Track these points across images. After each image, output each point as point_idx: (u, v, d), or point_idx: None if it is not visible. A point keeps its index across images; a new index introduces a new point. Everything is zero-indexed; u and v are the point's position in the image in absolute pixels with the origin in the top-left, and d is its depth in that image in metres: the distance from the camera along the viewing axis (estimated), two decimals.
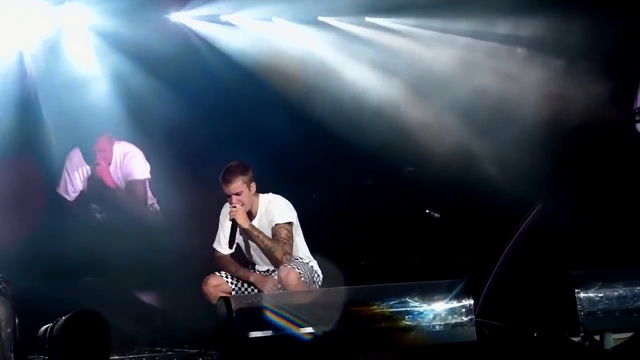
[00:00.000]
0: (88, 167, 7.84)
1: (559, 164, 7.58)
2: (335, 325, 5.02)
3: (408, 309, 5.11)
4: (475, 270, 6.11)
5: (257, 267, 6.41)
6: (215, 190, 6.73)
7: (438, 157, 8.00)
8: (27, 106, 7.93)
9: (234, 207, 6.16)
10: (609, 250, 6.64)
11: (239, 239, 6.30)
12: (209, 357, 5.24)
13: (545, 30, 7.80)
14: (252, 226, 6.18)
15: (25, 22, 7.78)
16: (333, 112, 8.14)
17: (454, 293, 5.15)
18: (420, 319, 5.10)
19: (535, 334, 5.21)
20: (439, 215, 8.11)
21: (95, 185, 7.84)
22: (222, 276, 6.27)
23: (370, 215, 8.12)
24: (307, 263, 6.25)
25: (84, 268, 7.40)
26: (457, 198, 7.88)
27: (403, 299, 5.12)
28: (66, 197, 7.89)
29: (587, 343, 5.05)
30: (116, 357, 5.64)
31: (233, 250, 6.34)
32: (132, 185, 7.83)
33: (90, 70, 8.01)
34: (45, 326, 5.77)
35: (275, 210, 6.23)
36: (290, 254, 6.15)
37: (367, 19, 8.43)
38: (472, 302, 5.15)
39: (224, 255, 6.33)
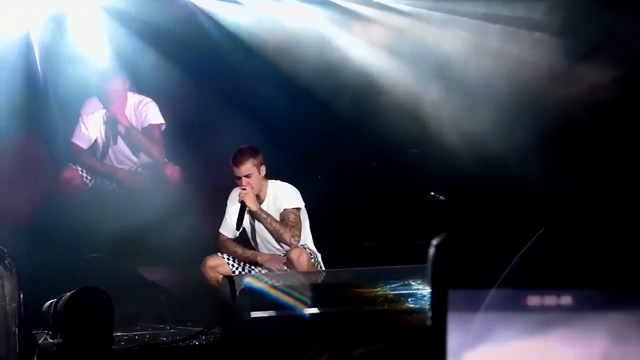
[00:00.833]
0: (103, 111, 7.82)
1: (571, 148, 7.53)
2: (337, 307, 5.03)
3: (411, 291, 5.11)
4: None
5: None
6: (221, 168, 6.75)
7: (444, 139, 7.97)
8: (32, 82, 7.93)
9: (244, 189, 6.17)
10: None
11: (245, 224, 6.31)
12: (213, 336, 5.26)
13: (560, 13, 7.71)
14: (261, 209, 6.18)
15: None
16: (339, 92, 8.11)
17: None
18: (423, 302, 5.10)
19: None
20: (444, 198, 8.11)
21: (110, 126, 7.82)
22: (223, 257, 6.28)
23: (374, 196, 8.12)
24: (313, 251, 6.28)
25: (88, 243, 7.41)
26: (463, 181, 7.86)
27: (406, 282, 5.12)
28: (81, 145, 7.82)
29: None
30: (119, 334, 5.66)
31: (238, 234, 6.35)
32: (148, 129, 7.82)
33: (97, 47, 7.99)
34: (50, 302, 5.79)
35: (283, 196, 6.24)
36: (299, 237, 6.15)
37: None
38: None
39: (229, 238, 6.34)
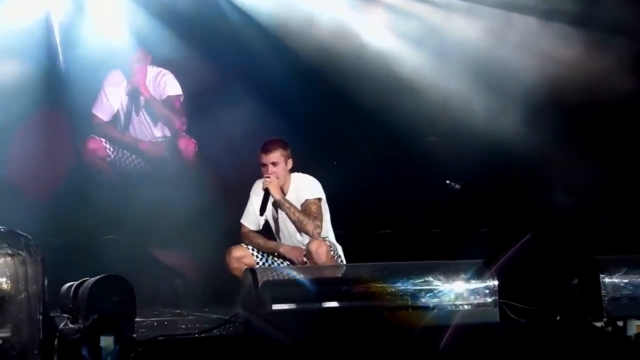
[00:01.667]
0: (125, 82, 7.91)
1: (590, 140, 7.53)
2: (357, 302, 5.05)
3: (431, 287, 5.11)
4: (495, 245, 6.11)
5: None
6: (241, 152, 6.76)
7: (461, 128, 7.97)
8: (52, 62, 7.94)
9: (268, 177, 6.19)
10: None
11: (267, 215, 6.32)
12: (232, 326, 5.29)
13: (582, 5, 7.67)
14: (285, 198, 6.20)
15: None
16: (357, 81, 8.10)
17: (477, 273, 5.15)
18: (443, 298, 5.12)
19: (558, 318, 5.22)
20: (459, 187, 8.12)
21: (132, 97, 7.90)
22: (247, 248, 6.31)
23: (390, 184, 8.13)
24: (333, 244, 6.29)
25: (105, 226, 7.45)
26: (480, 169, 7.86)
27: (426, 278, 5.12)
28: (101, 116, 7.94)
29: (610, 329, 5.05)
30: (138, 319, 5.68)
31: (261, 224, 6.36)
32: (168, 100, 7.93)
33: (115, 26, 7.99)
34: (68, 284, 5.78)
35: (305, 187, 6.25)
36: (322, 227, 6.16)
37: None
38: (496, 282, 5.14)
39: (251, 230, 6.36)
